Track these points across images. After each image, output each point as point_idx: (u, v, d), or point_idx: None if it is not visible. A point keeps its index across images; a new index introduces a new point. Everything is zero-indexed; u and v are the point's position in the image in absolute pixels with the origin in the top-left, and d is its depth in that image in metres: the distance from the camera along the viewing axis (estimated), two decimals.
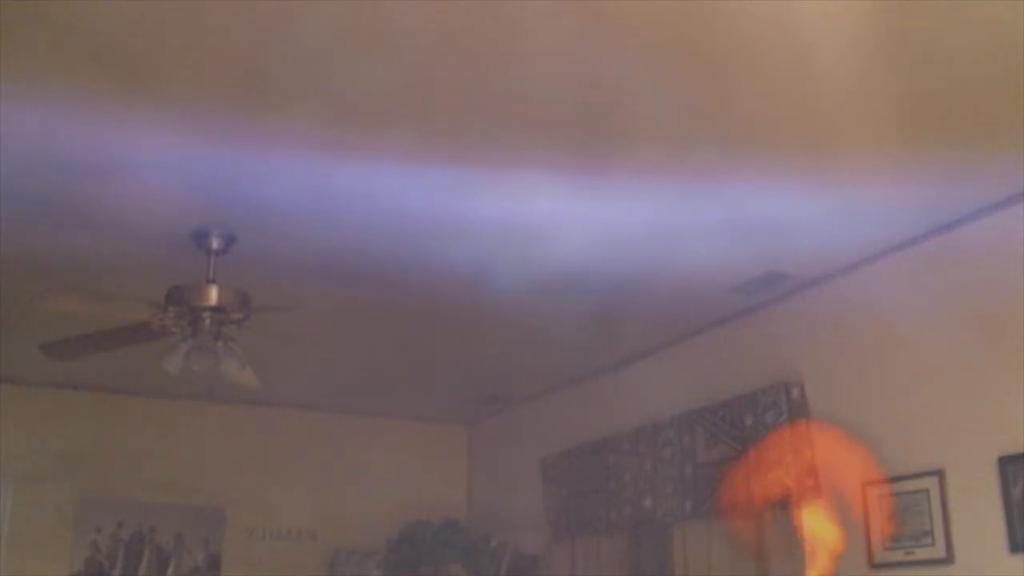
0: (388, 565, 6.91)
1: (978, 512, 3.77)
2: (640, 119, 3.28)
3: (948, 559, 3.86)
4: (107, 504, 6.58)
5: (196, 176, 3.68)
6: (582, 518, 6.10)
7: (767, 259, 4.43)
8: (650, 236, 4.16)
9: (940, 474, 3.94)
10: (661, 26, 2.75)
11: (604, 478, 5.94)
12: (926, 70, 2.96)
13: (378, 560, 6.93)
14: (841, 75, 2.98)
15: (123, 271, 4.49)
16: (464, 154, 3.49)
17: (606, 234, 4.17)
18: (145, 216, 3.99)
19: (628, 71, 2.97)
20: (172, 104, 3.17)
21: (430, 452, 7.57)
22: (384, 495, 7.12)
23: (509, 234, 4.15)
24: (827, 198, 3.77)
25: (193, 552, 6.74)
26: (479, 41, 2.84)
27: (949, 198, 3.82)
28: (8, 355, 5.75)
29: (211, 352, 4.05)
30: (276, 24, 2.76)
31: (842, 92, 3.09)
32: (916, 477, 4.01)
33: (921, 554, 3.96)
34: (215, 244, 4.11)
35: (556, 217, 4.00)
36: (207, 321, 4.03)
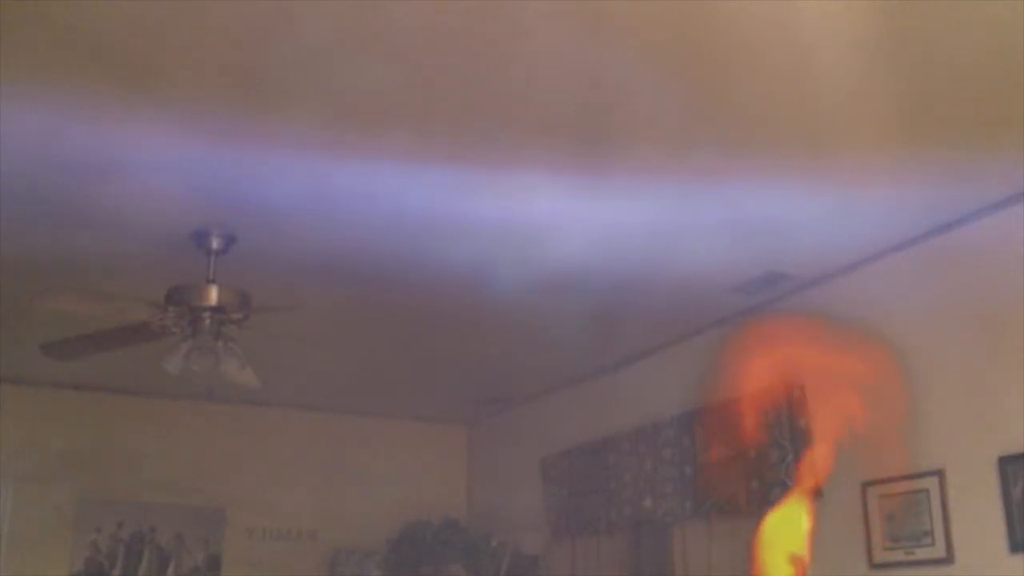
0: (388, 565, 6.91)
1: (978, 512, 3.77)
2: (640, 119, 3.28)
3: (948, 559, 3.86)
4: (107, 504, 6.58)
5: (196, 176, 3.68)
6: (582, 518, 6.10)
7: (767, 259, 4.43)
8: (650, 236, 4.16)
9: (940, 474, 3.94)
10: (661, 26, 2.75)
11: (604, 478, 5.94)
12: (926, 70, 2.96)
13: (378, 560, 6.93)
14: (841, 75, 2.98)
15: (123, 271, 4.49)
16: (464, 154, 3.49)
17: (606, 234, 4.17)
18: (145, 216, 3.99)
19: (628, 71, 2.97)
20: (172, 104, 3.17)
21: (430, 452, 7.57)
22: (384, 495, 7.13)
23: (509, 234, 4.15)
24: (827, 198, 3.77)
25: (193, 552, 6.74)
26: (479, 41, 2.84)
27: (949, 198, 3.82)
28: (8, 355, 5.75)
29: (211, 352, 4.05)
30: (276, 24, 2.76)
31: (842, 92, 3.09)
32: (916, 477, 4.01)
33: (921, 554, 3.96)
34: (215, 244, 4.11)
35: (556, 217, 4.00)
36: (207, 321, 4.03)
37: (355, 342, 5.80)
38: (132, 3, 2.66)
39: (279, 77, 3.03)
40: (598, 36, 2.81)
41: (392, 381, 6.62)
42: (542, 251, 4.29)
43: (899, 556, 4.05)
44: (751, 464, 4.87)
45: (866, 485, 4.22)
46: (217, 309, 4.02)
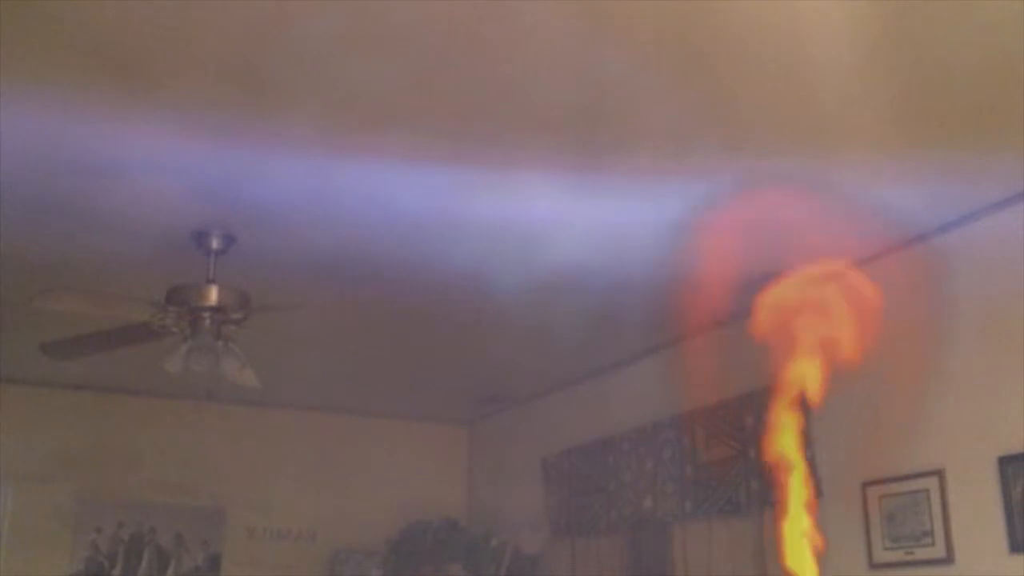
0: (388, 565, 6.91)
1: (978, 512, 3.77)
2: (640, 119, 3.28)
3: (948, 559, 3.86)
4: (107, 504, 6.59)
5: (196, 176, 3.68)
6: (582, 518, 6.10)
7: (767, 259, 4.43)
8: (650, 236, 4.16)
9: (940, 474, 3.94)
10: (661, 26, 2.75)
11: (604, 478, 5.94)
12: (926, 70, 2.96)
13: (378, 560, 6.93)
14: (841, 75, 2.98)
15: (123, 271, 4.49)
16: (464, 154, 3.49)
17: (606, 234, 4.17)
18: (145, 216, 3.99)
19: (628, 71, 2.97)
20: (172, 104, 3.17)
21: (430, 452, 7.57)
22: (384, 495, 7.13)
23: (509, 234, 4.15)
24: (827, 198, 3.77)
25: (193, 552, 6.74)
26: (479, 41, 2.84)
27: (949, 198, 3.82)
28: (8, 355, 5.75)
29: (211, 352, 4.05)
30: (276, 24, 2.76)
31: (842, 92, 3.09)
32: (916, 477, 4.01)
33: (921, 554, 3.96)
34: (215, 244, 4.11)
35: (556, 217, 4.00)
36: (207, 321, 4.03)
37: (355, 342, 5.80)
38: (132, 3, 2.66)
39: (279, 77, 3.03)
40: (598, 36, 2.80)
41: (392, 381, 6.62)
42: (542, 251, 4.29)
43: (899, 556, 4.05)
44: (751, 464, 4.87)
45: (866, 485, 4.22)
46: (217, 309, 4.02)
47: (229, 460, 6.97)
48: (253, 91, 3.11)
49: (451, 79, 3.03)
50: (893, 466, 4.12)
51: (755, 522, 4.77)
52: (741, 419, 4.97)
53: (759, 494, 4.77)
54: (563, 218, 4.02)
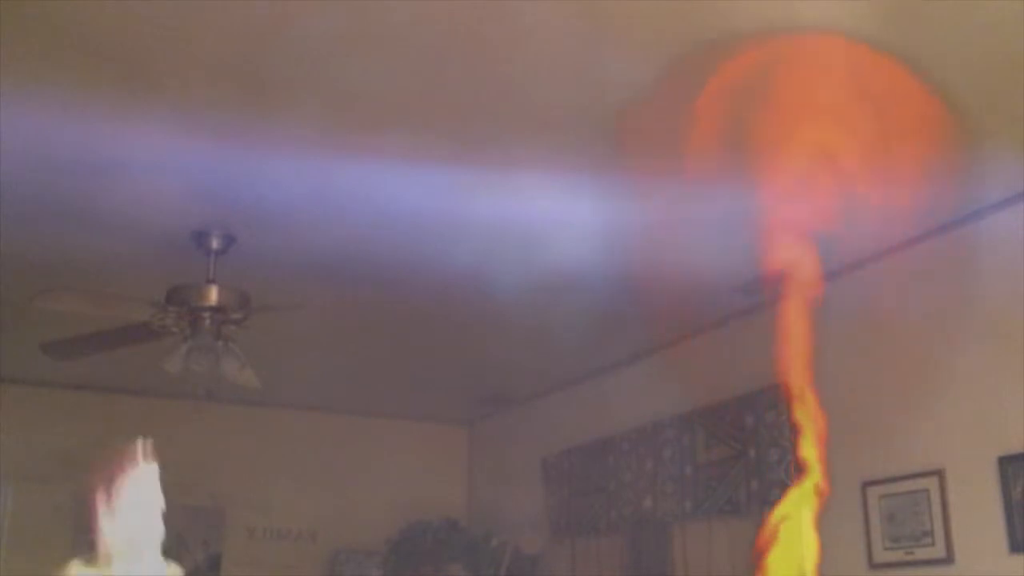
0: (388, 565, 6.91)
1: (978, 512, 3.77)
2: (640, 119, 3.28)
3: (948, 559, 3.86)
4: None
5: (196, 176, 3.68)
6: (582, 518, 6.10)
7: (767, 259, 4.43)
8: (650, 236, 4.16)
9: (940, 474, 3.94)
10: (661, 26, 2.75)
11: (604, 478, 5.94)
12: (926, 70, 2.96)
13: (378, 560, 6.93)
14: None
15: (123, 271, 4.49)
16: (464, 154, 3.49)
17: (606, 234, 4.17)
18: (145, 216, 3.99)
19: (628, 71, 2.97)
20: (172, 104, 3.18)
21: (430, 452, 7.57)
22: (384, 495, 7.13)
23: (509, 234, 4.15)
24: (827, 198, 3.77)
25: (193, 552, 6.74)
26: (479, 41, 2.84)
27: (949, 198, 3.82)
28: (8, 355, 5.75)
29: (211, 352, 4.05)
30: (276, 24, 2.76)
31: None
32: (916, 477, 4.01)
33: (921, 554, 3.96)
34: (215, 244, 4.11)
35: (556, 217, 4.00)
36: (207, 321, 4.03)
37: (355, 342, 5.80)
38: (132, 3, 2.67)
39: (279, 77, 3.03)
40: (598, 36, 2.81)
41: (392, 381, 6.62)
42: (542, 251, 4.29)
43: (899, 556, 4.05)
44: (751, 464, 4.88)
45: (866, 485, 4.22)
46: (217, 309, 4.03)
47: (229, 460, 6.97)
48: (253, 91, 3.11)
49: (451, 79, 3.04)
50: (893, 466, 4.12)
51: (755, 522, 4.77)
52: (741, 419, 4.97)
53: (759, 494, 4.77)
54: (563, 218, 4.01)
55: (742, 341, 5.11)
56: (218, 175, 3.65)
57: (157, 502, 2.96)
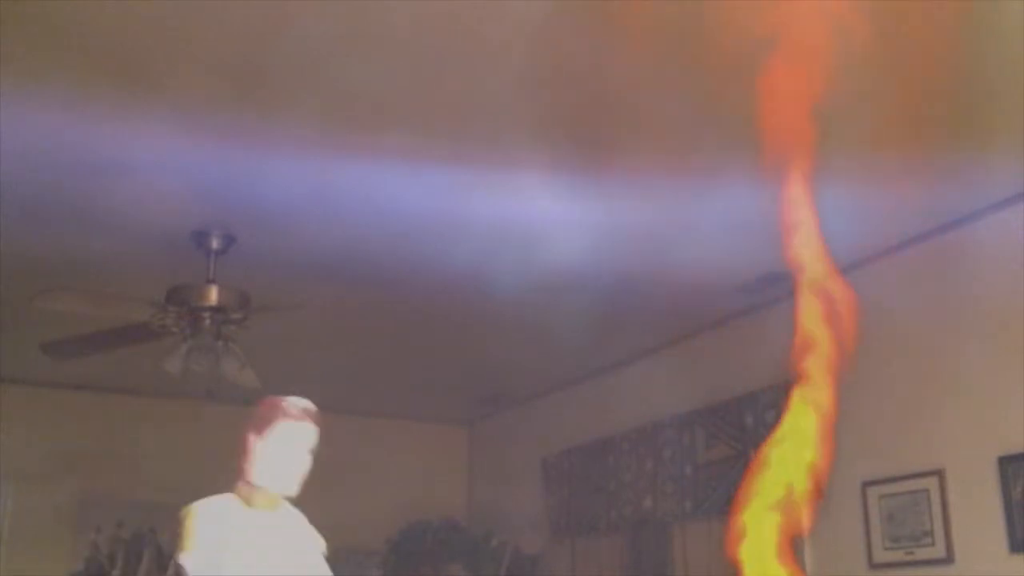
0: (388, 565, 6.90)
1: (978, 512, 3.77)
2: (640, 119, 3.28)
3: (948, 559, 3.86)
4: (107, 504, 6.58)
5: (196, 176, 3.68)
6: (582, 518, 6.10)
7: (767, 259, 4.43)
8: (650, 236, 4.16)
9: (940, 474, 3.94)
10: (661, 26, 2.74)
11: (604, 478, 5.94)
12: (926, 70, 2.96)
13: (378, 560, 6.92)
14: (841, 75, 2.97)
15: (123, 271, 4.49)
16: (464, 154, 3.49)
17: (606, 234, 4.17)
18: (145, 216, 3.99)
19: (628, 71, 2.97)
20: (172, 104, 3.18)
21: (430, 452, 7.57)
22: (384, 495, 7.12)
23: (509, 234, 4.15)
24: (827, 198, 3.76)
25: None
26: (479, 41, 2.84)
27: (949, 198, 3.82)
28: (8, 355, 5.75)
29: (211, 352, 4.05)
30: (276, 24, 2.76)
31: (842, 92, 3.09)
32: (916, 477, 4.01)
33: (921, 554, 3.96)
34: (215, 244, 4.12)
35: (556, 217, 4.00)
36: (207, 321, 4.03)
37: (355, 342, 5.80)
38: (132, 3, 2.67)
39: (279, 77, 3.03)
40: (598, 36, 2.80)
41: (392, 381, 6.62)
42: (542, 251, 4.28)
43: (899, 556, 4.05)
44: (751, 464, 4.87)
45: (866, 485, 4.22)
46: (217, 309, 4.03)
47: (229, 460, 6.95)
48: (253, 91, 3.11)
49: (451, 79, 3.03)
50: (893, 466, 4.12)
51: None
52: (741, 419, 4.97)
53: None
54: (563, 218, 4.01)
55: (742, 341, 5.11)
56: (218, 175, 3.65)
57: (305, 461, 3.08)
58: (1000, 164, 3.53)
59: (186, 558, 2.63)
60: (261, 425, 2.82)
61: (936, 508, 3.93)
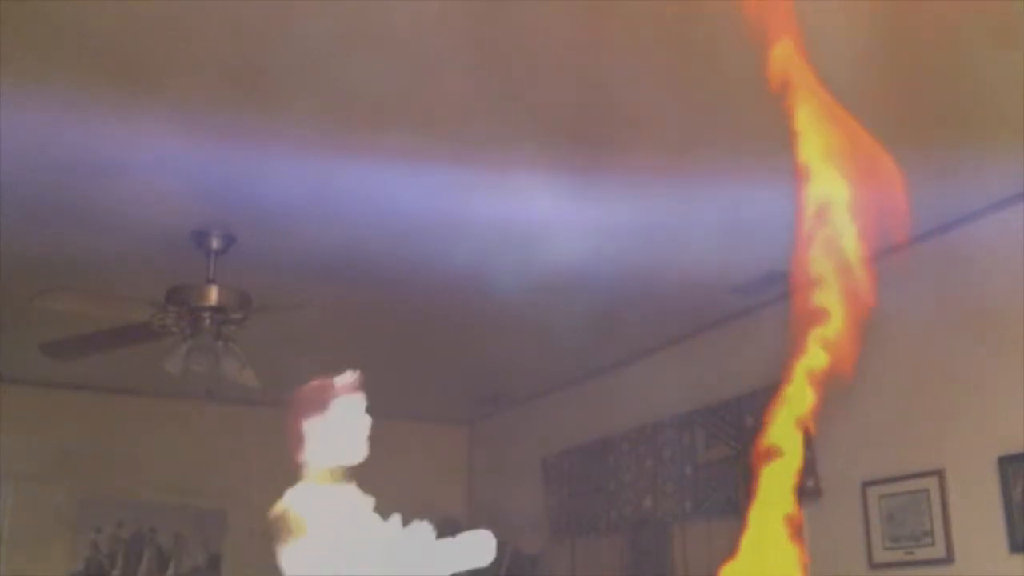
0: None
1: (978, 512, 3.77)
2: (640, 119, 3.28)
3: (948, 559, 3.86)
4: (107, 504, 6.59)
5: (196, 176, 3.68)
6: (582, 518, 6.10)
7: (767, 259, 4.43)
8: (650, 236, 4.16)
9: (940, 474, 3.93)
10: (661, 26, 2.75)
11: (604, 478, 5.94)
12: (926, 70, 2.96)
13: None
14: (841, 75, 2.97)
15: (123, 271, 4.49)
16: (464, 154, 3.49)
17: (606, 234, 4.17)
18: (145, 216, 3.99)
19: (628, 71, 2.97)
20: (172, 104, 3.18)
21: (430, 452, 7.56)
22: (384, 495, 7.11)
23: (509, 234, 4.15)
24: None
25: (193, 552, 6.74)
26: (479, 41, 2.84)
27: (949, 198, 3.82)
28: (8, 355, 5.75)
29: (211, 352, 4.05)
30: (276, 23, 2.76)
31: (842, 92, 3.08)
32: (916, 477, 4.01)
33: (921, 554, 3.96)
34: (215, 244, 4.11)
35: (556, 217, 4.00)
36: (207, 321, 4.03)
37: (355, 342, 5.79)
38: (132, 3, 2.67)
39: (279, 76, 3.03)
40: (598, 36, 2.80)
41: (392, 381, 6.60)
42: (542, 251, 4.28)
43: (899, 556, 4.05)
44: (751, 464, 4.87)
45: (866, 485, 4.22)
46: (217, 309, 4.03)
47: (230, 460, 6.96)
48: (253, 91, 3.11)
49: (451, 79, 3.03)
50: (893, 466, 4.12)
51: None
52: (741, 419, 4.97)
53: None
54: (563, 218, 4.01)
55: (742, 341, 5.11)
56: (218, 175, 3.65)
57: (364, 427, 3.21)
58: (1000, 164, 3.53)
59: (298, 547, 2.70)
60: (317, 407, 2.91)
61: (936, 508, 3.92)
